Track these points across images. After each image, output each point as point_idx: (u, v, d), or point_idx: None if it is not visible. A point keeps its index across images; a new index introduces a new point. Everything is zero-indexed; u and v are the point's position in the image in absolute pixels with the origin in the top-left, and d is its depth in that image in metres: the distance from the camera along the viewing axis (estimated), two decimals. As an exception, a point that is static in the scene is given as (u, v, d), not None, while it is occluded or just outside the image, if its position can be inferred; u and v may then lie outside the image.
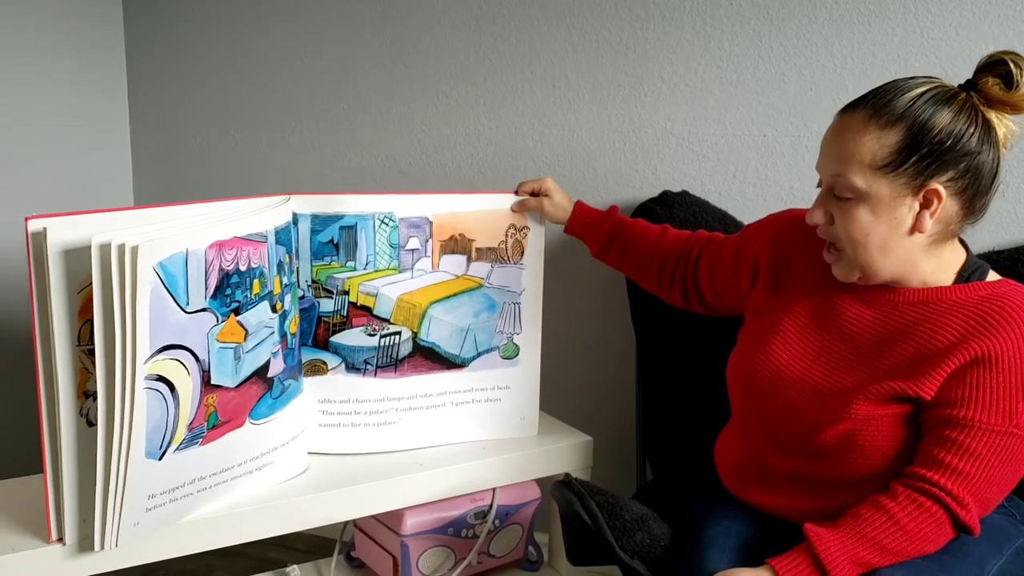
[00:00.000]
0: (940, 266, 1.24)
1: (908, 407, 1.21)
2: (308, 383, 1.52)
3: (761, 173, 1.78)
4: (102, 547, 1.24)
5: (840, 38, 1.68)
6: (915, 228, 1.19)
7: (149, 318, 1.17)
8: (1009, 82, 1.17)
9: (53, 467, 1.23)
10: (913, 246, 1.20)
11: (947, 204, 1.17)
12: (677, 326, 1.67)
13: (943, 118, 1.16)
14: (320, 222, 1.48)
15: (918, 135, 1.15)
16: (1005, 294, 1.20)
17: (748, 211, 1.77)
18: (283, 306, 1.40)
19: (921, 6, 1.62)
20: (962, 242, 1.28)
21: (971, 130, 1.16)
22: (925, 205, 1.17)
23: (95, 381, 1.18)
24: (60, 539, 1.26)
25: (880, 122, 1.16)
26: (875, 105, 1.18)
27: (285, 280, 1.42)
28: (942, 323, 1.21)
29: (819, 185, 1.25)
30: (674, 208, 1.74)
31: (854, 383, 1.24)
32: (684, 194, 1.79)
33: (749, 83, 1.77)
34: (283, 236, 1.42)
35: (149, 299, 1.16)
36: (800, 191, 1.75)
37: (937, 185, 1.16)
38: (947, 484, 1.15)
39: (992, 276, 1.26)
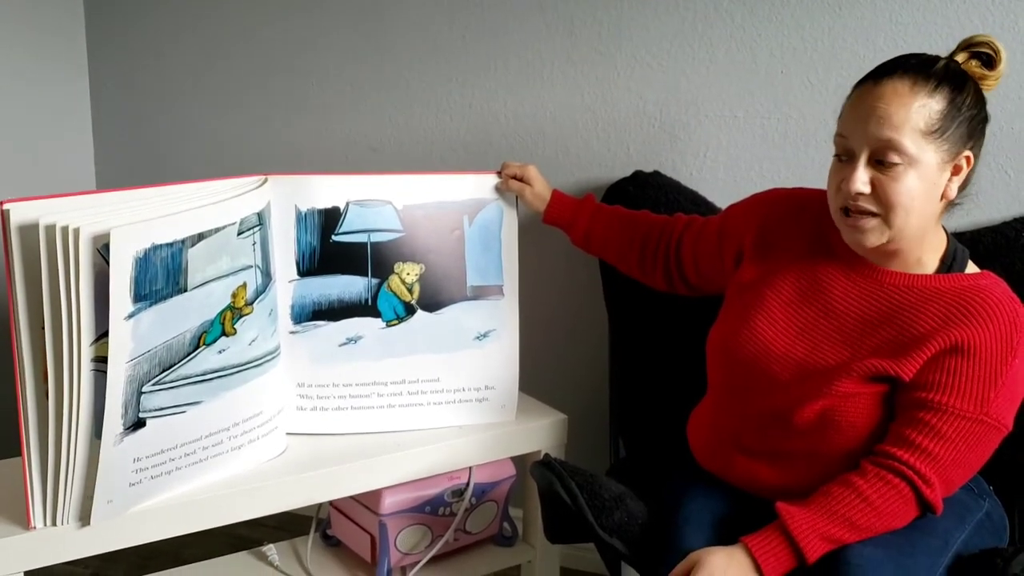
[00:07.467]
0: (933, 245, 1.27)
1: (885, 386, 1.25)
2: (285, 366, 1.52)
3: (732, 153, 1.80)
4: (54, 523, 1.25)
5: (811, 22, 1.70)
6: (943, 195, 1.22)
7: (93, 300, 1.17)
8: (990, 62, 1.23)
9: (27, 449, 1.24)
10: (933, 215, 1.24)
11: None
12: (649, 305, 1.69)
13: (970, 88, 1.21)
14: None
15: (956, 101, 1.19)
16: (987, 287, 1.24)
17: (718, 191, 1.79)
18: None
19: (890, -9, 1.64)
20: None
21: (983, 103, 1.22)
22: (955, 172, 1.21)
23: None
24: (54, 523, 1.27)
25: (927, 88, 1.18)
26: (915, 72, 1.19)
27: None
28: (924, 309, 1.24)
29: (841, 156, 1.24)
30: (646, 188, 1.75)
31: (836, 360, 1.27)
32: (656, 174, 1.80)
33: (721, 64, 1.78)
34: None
35: (93, 281, 1.17)
36: (770, 171, 1.77)
37: (969, 152, 1.21)
38: (915, 463, 1.19)
39: (971, 266, 1.30)
